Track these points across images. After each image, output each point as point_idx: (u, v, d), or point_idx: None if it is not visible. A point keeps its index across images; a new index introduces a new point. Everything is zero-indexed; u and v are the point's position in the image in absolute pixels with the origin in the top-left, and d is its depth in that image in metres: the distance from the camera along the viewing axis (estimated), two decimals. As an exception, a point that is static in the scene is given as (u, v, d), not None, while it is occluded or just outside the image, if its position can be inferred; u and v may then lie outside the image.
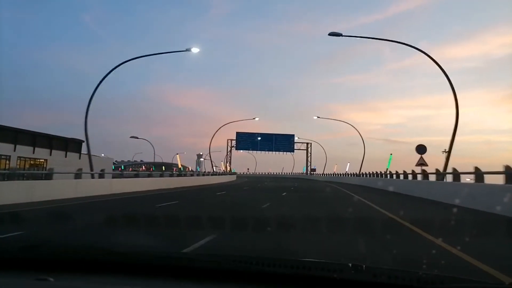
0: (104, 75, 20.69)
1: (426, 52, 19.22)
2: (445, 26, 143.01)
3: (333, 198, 18.34)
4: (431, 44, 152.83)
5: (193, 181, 32.56)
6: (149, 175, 26.59)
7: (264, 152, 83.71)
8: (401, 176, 23.46)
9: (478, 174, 12.40)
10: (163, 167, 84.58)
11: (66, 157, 48.45)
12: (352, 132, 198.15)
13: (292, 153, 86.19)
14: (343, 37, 20.19)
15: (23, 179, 19.78)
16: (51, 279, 1.54)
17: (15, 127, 42.06)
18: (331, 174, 64.61)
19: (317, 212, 11.56)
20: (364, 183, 33.78)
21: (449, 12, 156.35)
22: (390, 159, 44.17)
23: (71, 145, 49.73)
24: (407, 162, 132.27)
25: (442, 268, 4.23)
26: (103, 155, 65.70)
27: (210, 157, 60.54)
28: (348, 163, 77.71)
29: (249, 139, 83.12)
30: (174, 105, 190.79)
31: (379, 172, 33.30)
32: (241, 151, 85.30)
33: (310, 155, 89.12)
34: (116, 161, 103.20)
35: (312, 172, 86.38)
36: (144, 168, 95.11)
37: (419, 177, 20.12)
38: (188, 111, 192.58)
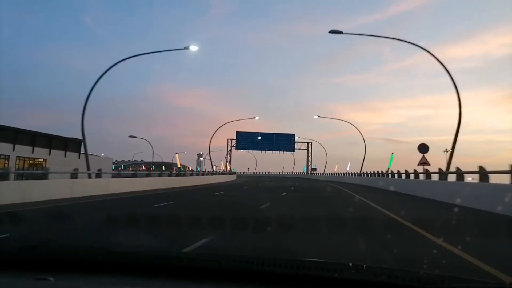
0: (100, 73, 20.33)
1: (425, 52, 18.86)
2: (445, 26, 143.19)
3: (334, 198, 18.05)
4: (431, 44, 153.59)
5: (192, 181, 32.26)
6: (147, 175, 26.30)
7: (264, 151, 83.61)
8: (403, 176, 23.11)
9: (483, 173, 12.09)
10: (163, 166, 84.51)
11: (65, 156, 48.34)
12: (352, 131, 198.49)
13: (292, 152, 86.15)
14: (343, 37, 19.96)
15: (22, 179, 19.53)
16: (51, 279, 1.54)
17: (14, 126, 41.99)
18: (332, 174, 64.42)
19: (317, 212, 11.30)
20: (365, 183, 33.50)
21: (449, 12, 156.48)
22: (391, 158, 43.93)
23: (70, 144, 49.56)
24: (408, 162, 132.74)
25: (443, 267, 4.21)
26: (103, 154, 65.82)
27: (210, 156, 60.35)
28: (349, 163, 77.72)
29: (249, 139, 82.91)
30: (174, 105, 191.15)
31: (380, 172, 32.99)
32: (242, 150, 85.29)
33: (311, 155, 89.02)
34: (116, 160, 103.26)
35: (312, 172, 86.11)
36: (144, 168, 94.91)
37: (421, 176, 19.82)
38: (188, 111, 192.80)
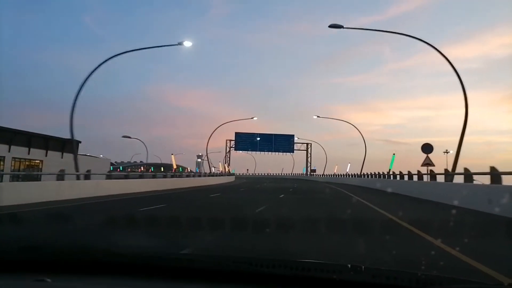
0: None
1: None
2: (445, 27, 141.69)
3: (333, 201, 17.16)
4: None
5: (189, 182, 31.37)
6: (140, 176, 25.43)
7: (263, 152, 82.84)
8: (406, 177, 22.23)
9: (495, 174, 11.26)
10: (162, 168, 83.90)
11: (62, 158, 47.63)
12: (352, 133, 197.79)
13: (291, 153, 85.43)
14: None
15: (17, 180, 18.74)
16: (48, 280, 1.55)
17: (10, 127, 41.20)
18: (331, 175, 63.78)
19: (316, 218, 10.44)
20: (365, 184, 32.84)
21: (449, 13, 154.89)
22: (392, 159, 42.87)
23: (67, 146, 48.49)
24: (408, 163, 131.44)
25: (441, 269, 4.23)
26: (101, 156, 65.24)
27: (208, 157, 59.56)
28: (349, 164, 76.50)
29: (248, 140, 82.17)
30: (174, 105, 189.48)
31: (381, 173, 32.23)
32: (241, 151, 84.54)
33: (310, 156, 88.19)
34: (115, 162, 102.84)
35: (312, 173, 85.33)
36: (142, 169, 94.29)
37: (425, 177, 19.01)
38: (188, 111, 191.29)
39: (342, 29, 19.24)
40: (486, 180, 12.68)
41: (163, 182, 25.72)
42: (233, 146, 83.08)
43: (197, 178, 37.92)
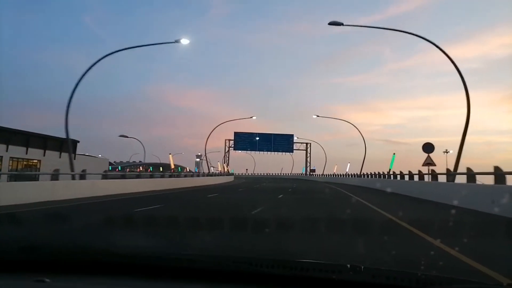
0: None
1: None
2: (444, 27, 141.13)
3: (333, 201, 16.85)
4: (430, 45, 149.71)
5: (187, 182, 30.99)
6: (138, 176, 25.11)
7: (263, 152, 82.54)
8: (406, 177, 21.92)
9: (499, 174, 10.96)
10: (161, 167, 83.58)
11: (60, 157, 47.34)
12: (351, 133, 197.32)
13: (291, 153, 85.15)
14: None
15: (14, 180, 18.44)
16: (47, 280, 1.54)
17: (7, 127, 40.91)
18: (331, 175, 63.50)
19: (315, 218, 10.15)
20: (365, 184, 32.52)
21: (449, 13, 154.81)
22: (393, 159, 42.57)
23: (66, 145, 48.37)
24: (408, 163, 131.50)
25: (440, 269, 4.18)
26: (100, 155, 65.12)
27: (206, 157, 59.22)
28: (349, 163, 76.32)
29: (248, 139, 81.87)
30: (174, 105, 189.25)
31: (381, 173, 31.94)
32: (240, 151, 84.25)
33: (310, 156, 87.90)
34: (114, 161, 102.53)
35: (311, 173, 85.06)
36: (141, 169, 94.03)
37: (426, 177, 18.71)
38: (188, 111, 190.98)
39: (342, 27, 18.97)
40: (486, 180, 12.67)
41: (160, 182, 25.37)
42: (232, 146, 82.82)
43: (195, 178, 37.55)
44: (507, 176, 10.95)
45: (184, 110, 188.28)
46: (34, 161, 45.16)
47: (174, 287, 1.61)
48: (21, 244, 1.85)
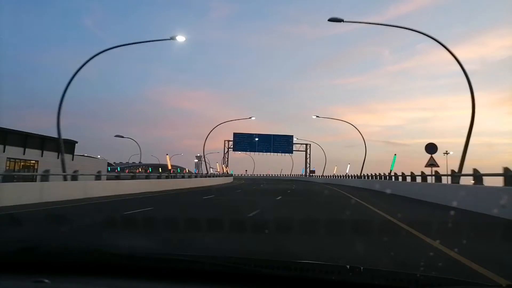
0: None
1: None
2: (444, 28, 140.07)
3: (333, 204, 16.21)
4: (430, 46, 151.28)
5: (184, 183, 30.36)
6: (132, 177, 24.49)
7: (262, 153, 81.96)
8: (408, 178, 21.29)
9: (509, 176, 10.36)
10: (160, 168, 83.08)
11: (58, 158, 46.67)
12: (351, 134, 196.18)
13: (290, 154, 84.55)
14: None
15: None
16: (46, 281, 1.53)
17: (4, 127, 40.20)
18: (331, 176, 62.99)
19: (313, 221, 9.62)
20: (366, 186, 32.00)
21: (448, 14, 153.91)
22: (394, 160, 42.14)
23: (64, 146, 47.93)
24: (407, 164, 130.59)
25: (440, 270, 4.20)
26: (99, 156, 64.75)
27: (204, 158, 58.57)
28: (349, 165, 75.71)
29: (247, 140, 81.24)
30: (174, 107, 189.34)
31: (382, 174, 31.37)
32: (239, 152, 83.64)
33: (309, 157, 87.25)
34: (114, 162, 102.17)
35: (311, 174, 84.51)
36: (140, 170, 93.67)
37: (428, 179, 18.11)
38: (188, 113, 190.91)
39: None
40: (490, 182, 12.37)
41: (156, 184, 24.75)
42: (232, 147, 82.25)
43: (192, 179, 36.91)
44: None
45: (184, 112, 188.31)
46: (32, 161, 44.43)
47: (173, 287, 1.59)
48: (19, 245, 1.84)
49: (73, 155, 47.85)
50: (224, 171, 75.86)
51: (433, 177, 17.27)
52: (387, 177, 29.29)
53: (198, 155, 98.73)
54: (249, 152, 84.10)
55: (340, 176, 56.86)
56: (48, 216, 10.36)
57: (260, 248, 5.84)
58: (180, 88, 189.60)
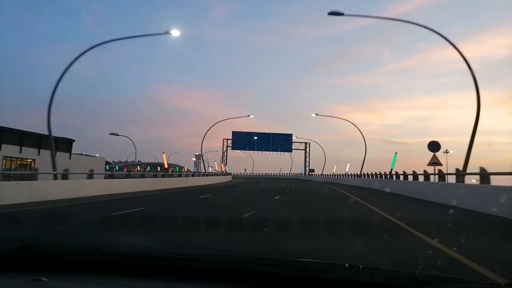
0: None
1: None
2: (443, 27, 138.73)
3: (332, 204, 15.71)
4: (429, 46, 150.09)
5: (181, 182, 29.80)
6: (127, 176, 23.91)
7: (261, 152, 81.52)
8: (410, 177, 20.73)
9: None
10: (158, 167, 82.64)
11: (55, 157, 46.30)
12: (350, 133, 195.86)
13: (290, 153, 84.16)
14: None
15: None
16: (44, 279, 1.53)
17: (0, 125, 39.67)
18: (330, 175, 62.62)
19: (312, 220, 9.20)
20: (366, 185, 31.51)
21: (448, 13, 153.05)
22: (394, 158, 41.48)
23: (61, 144, 47.29)
24: (407, 163, 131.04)
25: (438, 268, 4.16)
26: (97, 155, 64.52)
27: (202, 157, 58.16)
28: (348, 163, 75.22)
29: (246, 139, 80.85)
30: (174, 106, 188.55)
31: (382, 173, 30.86)
32: (238, 151, 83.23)
33: (309, 155, 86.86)
34: (113, 161, 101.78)
35: (310, 173, 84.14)
36: (138, 169, 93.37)
37: (432, 178, 17.58)
38: (188, 112, 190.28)
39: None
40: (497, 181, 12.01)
41: (151, 182, 24.17)
42: (231, 145, 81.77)
43: (190, 178, 36.33)
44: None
45: (184, 111, 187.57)
46: (28, 160, 44.18)
47: (173, 286, 1.58)
48: (19, 243, 1.83)
49: (70, 153, 47.53)
50: (223, 170, 75.33)
51: (436, 176, 16.73)
52: (388, 176, 28.78)
53: (197, 154, 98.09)
54: (248, 151, 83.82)
55: (340, 175, 56.48)
56: (26, 218, 9.81)
57: (258, 247, 5.66)
58: (180, 88, 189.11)
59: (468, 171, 15.80)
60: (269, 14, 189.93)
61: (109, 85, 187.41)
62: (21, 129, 42.48)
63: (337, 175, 58.97)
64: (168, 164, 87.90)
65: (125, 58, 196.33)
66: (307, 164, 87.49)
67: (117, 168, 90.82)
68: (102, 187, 17.99)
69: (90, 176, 18.59)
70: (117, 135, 58.22)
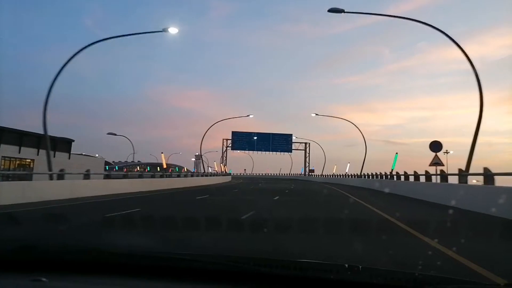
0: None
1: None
2: (444, 27, 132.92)
3: (332, 205, 15.44)
4: (429, 45, 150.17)
5: (179, 182, 29.50)
6: (125, 176, 23.64)
7: (261, 152, 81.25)
8: (411, 178, 20.47)
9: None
10: (158, 167, 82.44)
11: (54, 157, 45.98)
12: (351, 133, 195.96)
13: (290, 153, 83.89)
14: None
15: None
16: (44, 279, 1.53)
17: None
18: (330, 175, 62.44)
19: (311, 221, 9.01)
20: (366, 185, 31.28)
21: (448, 13, 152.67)
22: (395, 159, 41.29)
23: (60, 144, 47.33)
24: (407, 163, 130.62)
25: (438, 269, 4.18)
26: (97, 155, 64.36)
27: (201, 157, 57.84)
28: (348, 164, 75.02)
29: (246, 139, 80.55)
30: (174, 106, 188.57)
31: (383, 173, 30.60)
32: (238, 151, 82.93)
33: (309, 156, 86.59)
34: (113, 161, 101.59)
35: (310, 173, 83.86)
36: (138, 169, 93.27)
37: (433, 178, 17.32)
38: (188, 112, 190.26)
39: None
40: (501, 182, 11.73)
41: (149, 183, 23.90)
42: (230, 145, 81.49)
43: (189, 178, 36.04)
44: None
45: (184, 111, 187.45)
46: (27, 160, 44.04)
47: (173, 286, 1.58)
48: (19, 243, 1.81)
49: (69, 153, 47.33)
50: (222, 170, 75.06)
51: (439, 176, 16.47)
52: (388, 176, 28.54)
53: (197, 154, 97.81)
54: (247, 151, 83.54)
55: (340, 175, 56.36)
56: (16, 219, 9.55)
57: (258, 247, 5.62)
58: (179, 88, 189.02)
59: (470, 171, 15.56)
60: (269, 13, 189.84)
61: (108, 85, 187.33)
62: (21, 129, 42.32)
63: (337, 175, 58.80)
64: (167, 164, 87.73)
65: (125, 58, 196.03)
66: (307, 164, 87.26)
67: (116, 168, 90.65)
68: (99, 187, 17.75)
69: (87, 176, 18.31)
70: (115, 134, 57.96)
